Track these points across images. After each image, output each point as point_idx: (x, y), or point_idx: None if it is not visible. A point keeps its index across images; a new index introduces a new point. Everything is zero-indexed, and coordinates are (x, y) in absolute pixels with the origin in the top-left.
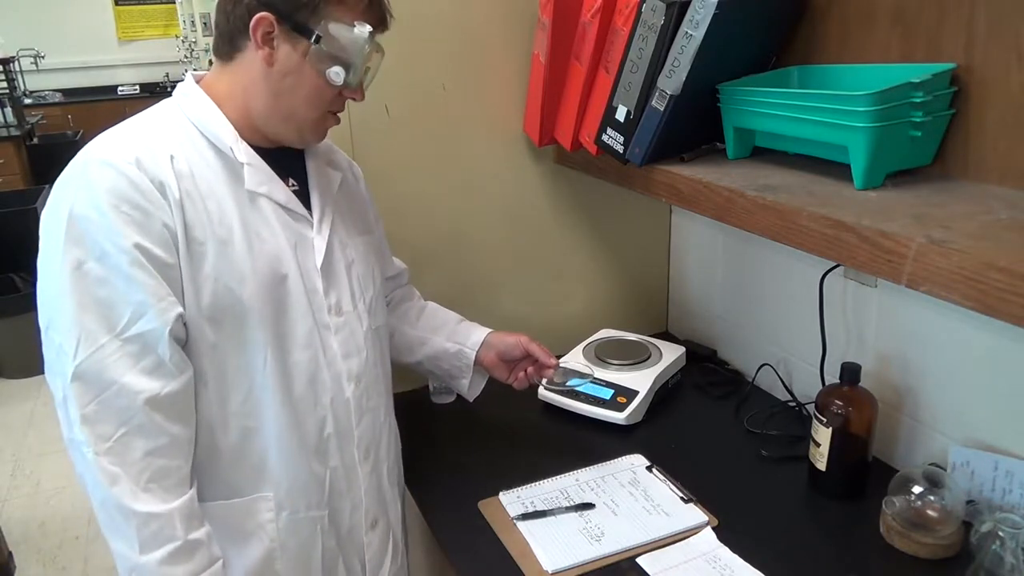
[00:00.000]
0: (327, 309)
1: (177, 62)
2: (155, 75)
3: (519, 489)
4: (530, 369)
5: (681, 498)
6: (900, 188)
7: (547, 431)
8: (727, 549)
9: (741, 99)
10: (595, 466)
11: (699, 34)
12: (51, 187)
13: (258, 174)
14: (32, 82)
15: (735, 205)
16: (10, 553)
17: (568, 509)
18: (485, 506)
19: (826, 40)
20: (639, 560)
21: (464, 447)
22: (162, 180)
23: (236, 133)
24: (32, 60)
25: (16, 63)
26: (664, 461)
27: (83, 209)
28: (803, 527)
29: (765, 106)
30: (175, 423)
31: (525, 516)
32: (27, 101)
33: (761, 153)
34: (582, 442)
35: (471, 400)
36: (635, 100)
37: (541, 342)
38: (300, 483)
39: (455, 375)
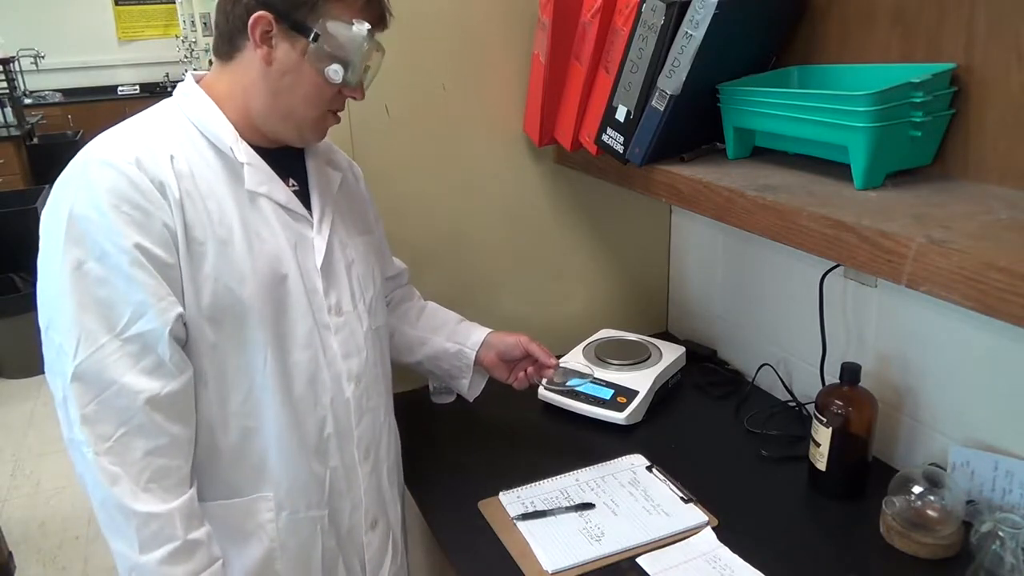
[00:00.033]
0: (327, 309)
1: (177, 62)
2: (155, 75)
3: (519, 489)
4: (530, 369)
5: (681, 498)
6: (900, 188)
7: (547, 431)
8: (727, 549)
9: (741, 99)
10: (595, 466)
11: (699, 34)
12: (51, 187)
13: (258, 174)
14: (32, 82)
15: (735, 205)
16: (10, 553)
17: (568, 509)
18: (485, 506)
19: (826, 40)
20: (639, 560)
21: (464, 447)
22: (162, 180)
23: (236, 133)
24: (32, 60)
25: (16, 63)
26: (664, 461)
27: (83, 209)
28: (803, 527)
29: (765, 106)
30: (175, 423)
31: (525, 516)
32: (27, 101)
33: (761, 153)
34: (582, 442)
35: (471, 400)
36: (635, 100)
37: (541, 342)
38: (300, 483)
39: (455, 375)
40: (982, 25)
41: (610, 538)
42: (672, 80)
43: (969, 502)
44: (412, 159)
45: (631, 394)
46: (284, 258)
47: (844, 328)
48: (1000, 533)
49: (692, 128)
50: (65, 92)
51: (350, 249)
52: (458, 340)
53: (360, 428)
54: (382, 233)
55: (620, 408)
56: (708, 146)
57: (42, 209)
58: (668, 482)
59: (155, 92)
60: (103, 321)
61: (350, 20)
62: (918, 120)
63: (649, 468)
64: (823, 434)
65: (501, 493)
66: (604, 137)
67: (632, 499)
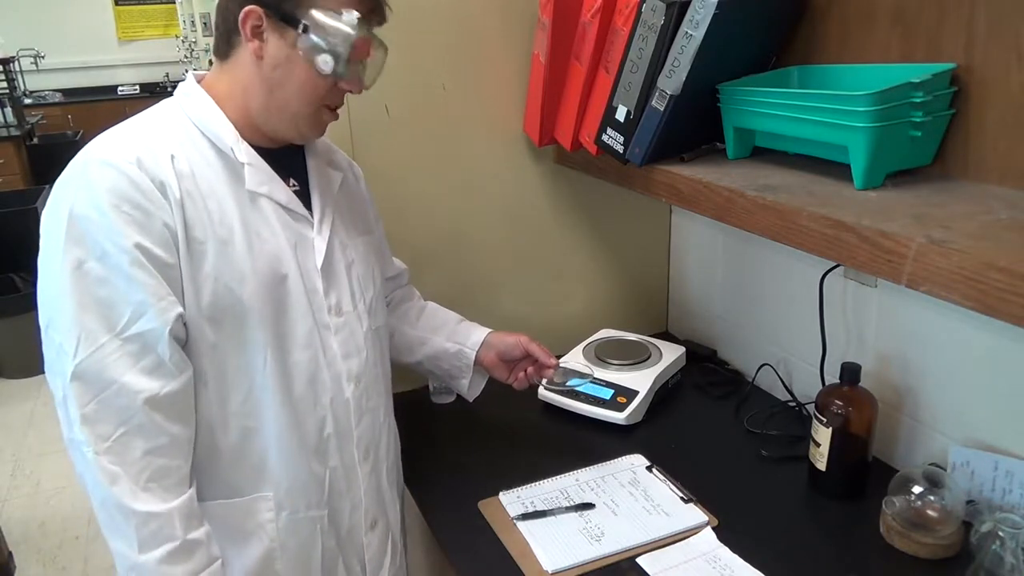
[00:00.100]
0: (327, 309)
1: (177, 62)
2: (155, 75)
3: (519, 489)
4: (530, 369)
5: (681, 498)
6: (900, 188)
7: (547, 431)
8: (727, 549)
9: (741, 99)
10: (595, 466)
11: (699, 34)
12: (51, 187)
13: (259, 174)
14: (32, 82)
15: (735, 205)
16: (10, 553)
17: (568, 509)
18: (485, 506)
19: (826, 40)
20: (639, 560)
21: (464, 447)
22: (163, 180)
23: (237, 133)
24: (32, 60)
25: (16, 63)
26: (664, 461)
27: (84, 209)
28: (803, 527)
29: (765, 106)
30: (175, 423)
31: (525, 516)
32: (27, 101)
33: (761, 153)
34: (582, 442)
35: (471, 400)
36: (635, 100)
37: (541, 342)
38: (300, 483)
39: (455, 375)
40: (982, 25)
41: (610, 538)
42: (672, 80)
43: (969, 502)
44: (412, 159)
45: (631, 394)
46: (284, 258)
47: (844, 328)
48: (1000, 533)
49: (692, 128)
50: (65, 92)
51: (350, 249)
52: (458, 340)
53: (360, 428)
54: (382, 233)
55: (620, 408)
56: (708, 146)
57: (42, 209)
58: (668, 482)
59: (155, 92)
60: (103, 321)
61: (339, 10)
62: (918, 120)
63: (649, 468)
64: (823, 434)
65: (501, 493)
66: (604, 137)
67: (632, 499)
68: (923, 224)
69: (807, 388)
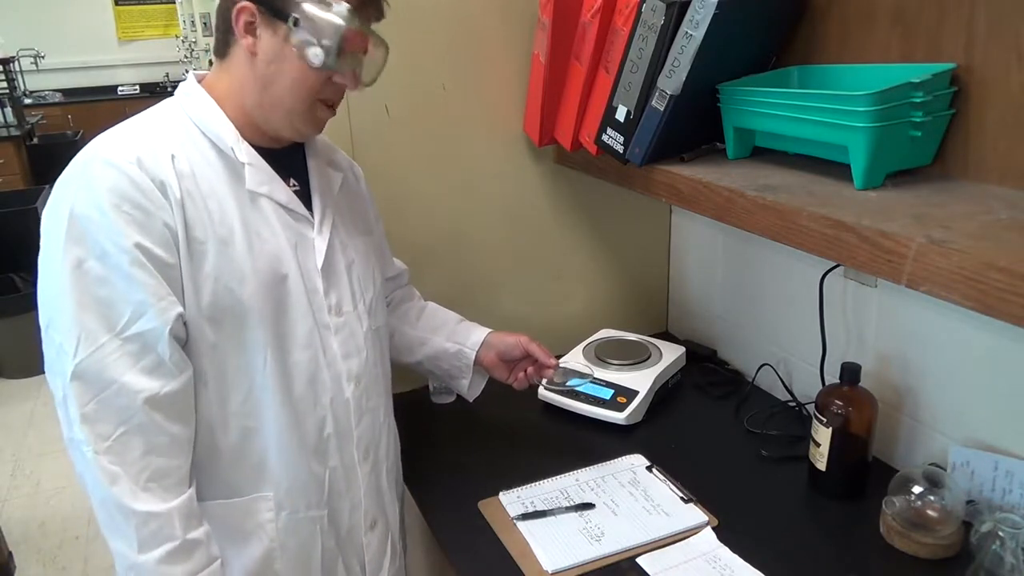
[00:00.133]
0: (327, 309)
1: (177, 62)
2: (155, 75)
3: (519, 489)
4: (530, 369)
5: (681, 498)
6: (900, 188)
7: (547, 431)
8: (727, 549)
9: (741, 99)
10: (595, 466)
11: (699, 34)
12: (51, 187)
13: (259, 174)
14: (32, 82)
15: (735, 205)
16: (10, 553)
17: (568, 509)
18: (485, 506)
19: (826, 40)
20: (639, 560)
21: (464, 447)
22: (163, 179)
23: (237, 133)
24: (32, 60)
25: (16, 63)
26: (664, 461)
27: (84, 208)
28: (803, 527)
29: (765, 106)
30: (174, 422)
31: (525, 516)
32: (27, 101)
33: (761, 153)
34: (582, 442)
35: (471, 400)
36: (635, 100)
37: (541, 342)
38: (300, 483)
39: (455, 375)
40: (982, 25)
41: (610, 538)
42: (672, 80)
43: (969, 502)
44: (412, 159)
45: (631, 394)
46: (284, 258)
47: (844, 328)
48: (1000, 533)
49: (692, 128)
50: (65, 92)
51: (350, 249)
52: (458, 340)
53: (360, 428)
54: (382, 233)
55: (620, 408)
56: (708, 146)
57: (42, 209)
58: (668, 482)
59: (155, 92)
60: (103, 320)
61: (329, 1)
62: (918, 120)
63: (649, 468)
64: (823, 434)
65: (501, 493)
66: (604, 137)
67: (632, 499)
68: (923, 224)
69: (807, 388)
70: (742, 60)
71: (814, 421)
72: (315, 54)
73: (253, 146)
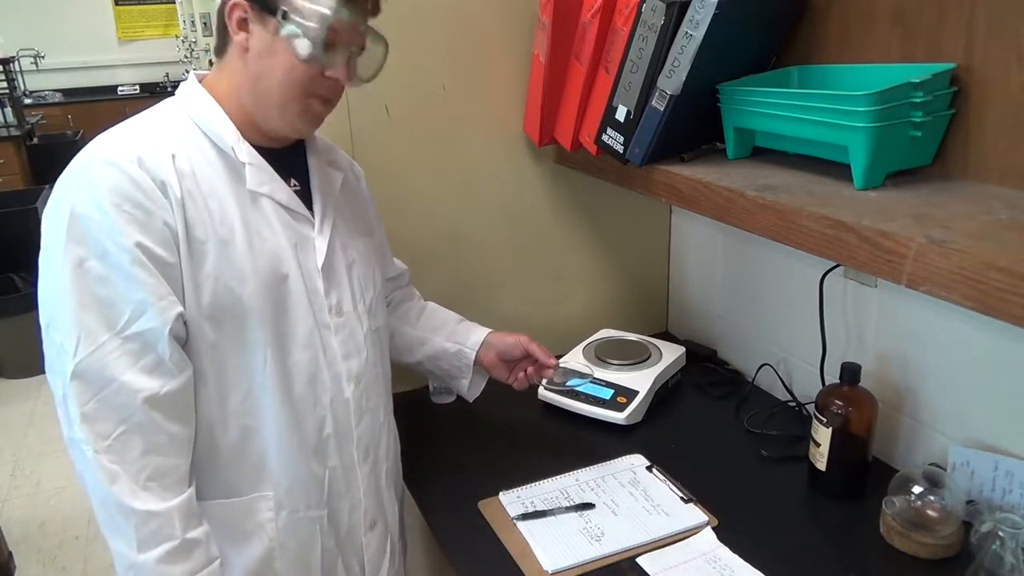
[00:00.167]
0: (327, 309)
1: (177, 62)
2: (155, 75)
3: (519, 489)
4: (530, 369)
5: (681, 498)
6: (900, 188)
7: (547, 431)
8: (727, 549)
9: (741, 99)
10: (595, 466)
11: (699, 34)
12: (51, 187)
13: (259, 174)
14: (32, 82)
15: (735, 205)
16: (10, 553)
17: (568, 509)
18: (485, 506)
19: (826, 40)
20: (639, 560)
21: (464, 447)
22: (163, 179)
23: (238, 133)
24: (32, 60)
25: (16, 63)
26: (664, 461)
27: (85, 208)
28: (803, 527)
29: (765, 106)
30: (174, 422)
31: (525, 516)
32: (27, 101)
33: (761, 153)
34: (582, 442)
35: (471, 400)
36: (635, 100)
37: (541, 342)
38: (300, 483)
39: (455, 375)
40: (982, 25)
41: (610, 538)
42: (672, 80)
43: (969, 502)
44: (412, 159)
45: (631, 394)
46: (285, 258)
47: (844, 328)
48: (1000, 533)
49: (692, 128)
50: (65, 92)
51: (351, 250)
52: (458, 340)
53: (359, 429)
54: (383, 234)
55: (620, 408)
56: (708, 146)
57: (42, 209)
58: (668, 482)
59: (155, 92)
60: (103, 319)
61: None
62: (918, 120)
63: (649, 468)
64: (823, 434)
65: (501, 493)
66: (604, 137)
67: (632, 499)
68: (923, 224)
69: (807, 388)
70: (742, 60)
71: (814, 421)
72: (302, 45)
73: (254, 146)
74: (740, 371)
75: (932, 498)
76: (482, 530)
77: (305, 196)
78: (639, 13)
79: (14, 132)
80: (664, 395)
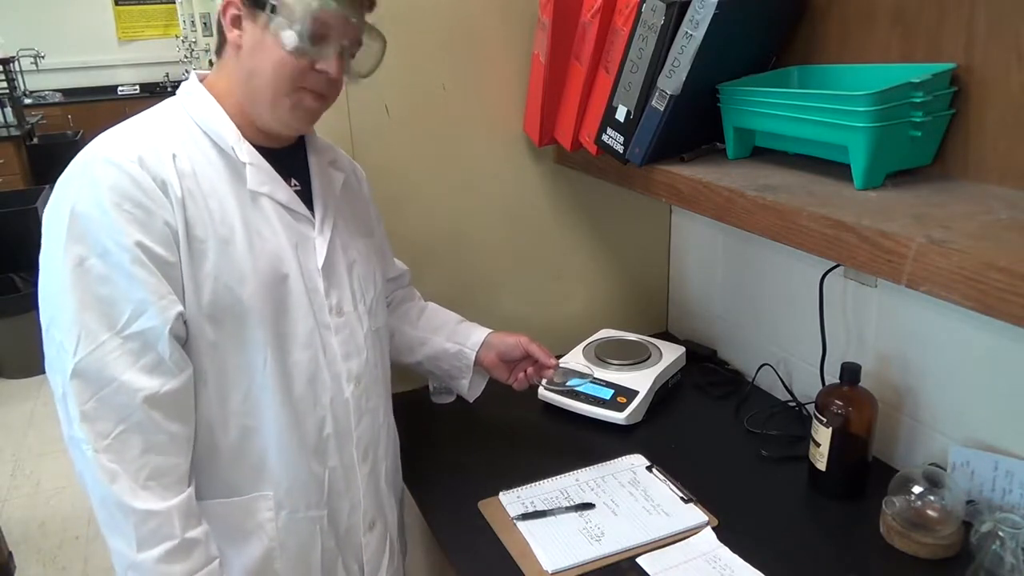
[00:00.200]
0: (328, 309)
1: (177, 62)
2: (155, 75)
3: (519, 489)
4: (530, 370)
5: (681, 498)
6: (900, 188)
7: (547, 431)
8: (727, 549)
9: (741, 99)
10: (595, 466)
11: (699, 34)
12: (51, 187)
13: (260, 174)
14: (32, 82)
15: (735, 205)
16: (10, 553)
17: (568, 509)
18: (485, 506)
19: (826, 40)
20: (639, 560)
21: (464, 447)
22: (164, 178)
23: (238, 133)
24: (32, 60)
25: (16, 63)
26: (664, 461)
27: (85, 207)
28: (803, 527)
29: (765, 106)
30: (174, 421)
31: (525, 516)
32: (27, 101)
33: (761, 153)
34: (582, 442)
35: (471, 401)
36: (635, 100)
37: (541, 342)
38: (300, 483)
39: (455, 375)
40: (982, 25)
41: (610, 538)
42: (672, 80)
43: (969, 502)
44: (412, 159)
45: (631, 394)
46: (285, 258)
47: (844, 328)
48: (1000, 533)
49: (692, 128)
50: (65, 92)
51: (352, 250)
52: (458, 340)
53: (359, 429)
54: (384, 234)
55: (620, 408)
56: (708, 146)
57: (42, 209)
58: (668, 482)
59: (155, 92)
60: (103, 319)
61: None
62: (918, 120)
63: (649, 468)
64: (823, 434)
65: (501, 493)
66: (604, 137)
67: (632, 499)
68: (923, 224)
69: (807, 388)
70: (742, 60)
71: (814, 421)
72: (288, 37)
73: (255, 145)
74: (740, 371)
75: (932, 498)
76: (482, 530)
77: (306, 196)
78: (639, 13)
79: (14, 132)
80: (664, 395)
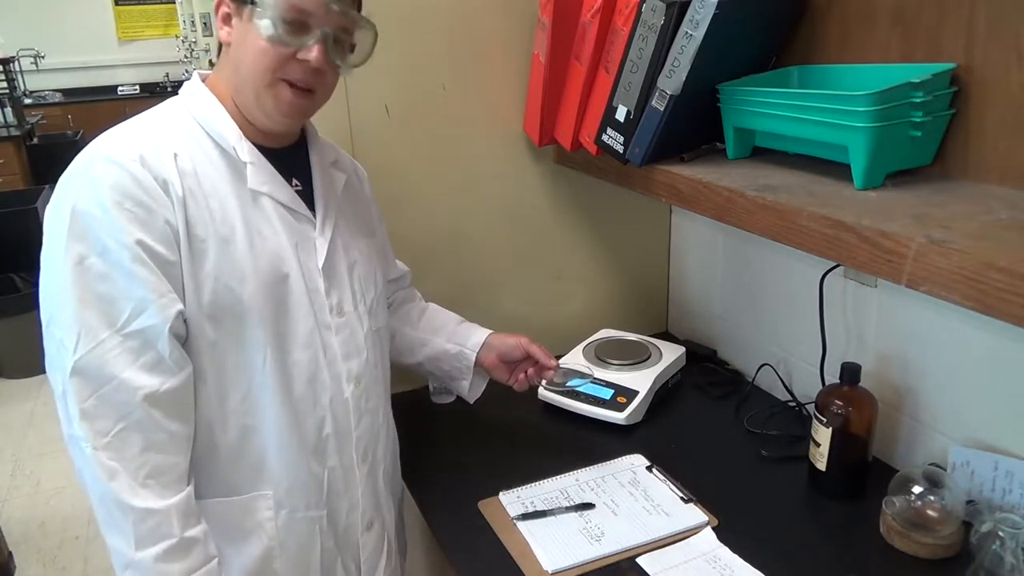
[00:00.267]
0: (328, 309)
1: (177, 62)
2: (155, 75)
3: (519, 489)
4: (530, 371)
5: (681, 498)
6: (900, 188)
7: (547, 431)
8: (727, 549)
9: (741, 99)
10: (595, 466)
11: (699, 34)
12: (51, 187)
13: (261, 173)
14: (32, 82)
15: (735, 205)
16: (10, 553)
17: (568, 509)
18: (485, 506)
19: (826, 40)
20: (639, 560)
21: (464, 447)
22: (165, 178)
23: (239, 132)
24: (32, 60)
25: (16, 63)
26: (664, 461)
27: (86, 205)
28: (803, 527)
29: (765, 106)
30: (173, 420)
31: (525, 516)
32: (27, 101)
33: (761, 153)
34: (582, 442)
35: (471, 402)
36: (635, 100)
37: (541, 342)
38: (299, 482)
39: (455, 376)
40: (982, 25)
41: (610, 538)
42: (672, 80)
43: (969, 502)
44: (412, 159)
45: (631, 394)
46: (286, 257)
47: (844, 328)
48: (1000, 533)
49: (692, 128)
50: (65, 92)
51: (352, 250)
52: (458, 341)
53: (359, 429)
54: (385, 235)
55: (620, 408)
56: (708, 146)
57: (42, 209)
58: (668, 482)
59: (155, 92)
60: (104, 317)
61: None
62: (918, 120)
63: (649, 468)
64: (823, 434)
65: (501, 493)
66: (604, 137)
67: (632, 499)
68: (923, 224)
69: (807, 388)
70: (742, 60)
71: (814, 421)
72: (265, 25)
73: (256, 145)
74: (740, 371)
75: (932, 498)
76: (482, 530)
77: (307, 196)
78: (639, 13)
79: (14, 132)
80: (664, 395)
